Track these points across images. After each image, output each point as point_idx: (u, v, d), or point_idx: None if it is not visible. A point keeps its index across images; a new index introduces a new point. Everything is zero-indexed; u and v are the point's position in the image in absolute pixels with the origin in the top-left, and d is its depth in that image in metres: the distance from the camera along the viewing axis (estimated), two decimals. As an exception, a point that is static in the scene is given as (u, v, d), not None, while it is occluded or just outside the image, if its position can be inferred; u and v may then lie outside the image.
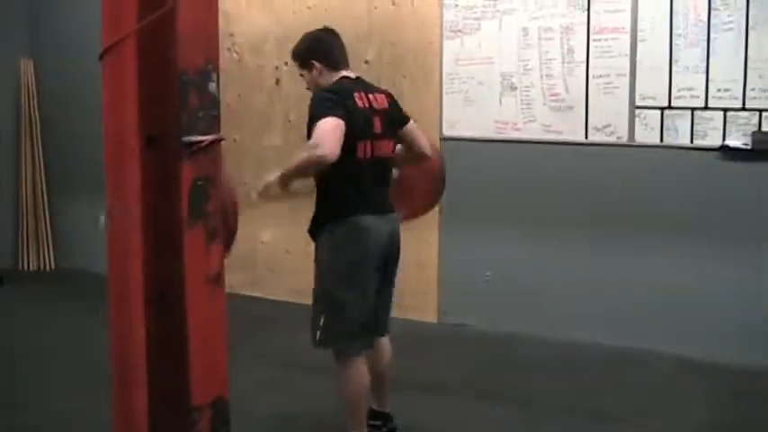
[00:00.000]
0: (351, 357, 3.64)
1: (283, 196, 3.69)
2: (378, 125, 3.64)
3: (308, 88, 3.82)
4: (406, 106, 5.73)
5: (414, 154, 3.89)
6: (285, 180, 3.57)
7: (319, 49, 3.75)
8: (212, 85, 1.95)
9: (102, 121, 1.88)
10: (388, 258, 3.76)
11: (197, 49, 1.90)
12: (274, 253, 6.41)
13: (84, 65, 6.69)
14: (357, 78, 3.76)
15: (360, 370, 3.65)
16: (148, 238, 1.91)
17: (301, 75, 3.82)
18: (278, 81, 6.25)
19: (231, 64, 6.28)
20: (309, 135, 3.46)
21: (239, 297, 6.01)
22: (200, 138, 1.91)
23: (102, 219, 2.27)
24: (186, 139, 1.89)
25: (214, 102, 1.97)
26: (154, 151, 1.90)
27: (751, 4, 4.76)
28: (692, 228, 5.06)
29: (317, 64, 3.71)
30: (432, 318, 5.88)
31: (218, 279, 2.02)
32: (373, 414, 4.00)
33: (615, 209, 5.25)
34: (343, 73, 3.74)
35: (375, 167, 3.66)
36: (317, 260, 3.68)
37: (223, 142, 2.02)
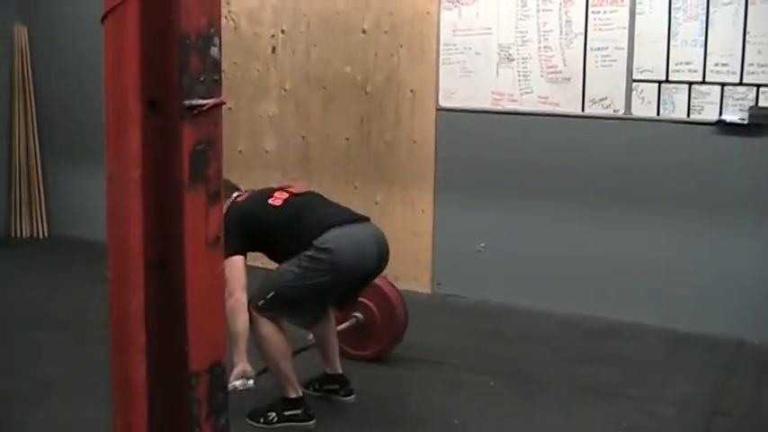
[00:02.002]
0: (265, 320, 3.69)
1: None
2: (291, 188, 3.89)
3: None
4: (403, 76, 5.76)
5: None
6: (240, 353, 3.59)
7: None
8: (214, 50, 1.94)
9: (104, 84, 1.86)
10: (377, 268, 3.88)
11: (199, 13, 1.88)
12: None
13: (78, 31, 6.68)
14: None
15: (272, 330, 3.70)
16: (148, 203, 1.90)
17: None
18: (274, 49, 6.21)
19: (227, 32, 6.24)
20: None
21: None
22: (201, 101, 1.90)
23: None
24: (187, 102, 1.88)
25: (216, 66, 1.95)
26: (154, 115, 1.88)
27: (750, -21, 4.75)
28: (687, 202, 5.07)
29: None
30: (425, 288, 5.89)
31: (217, 242, 2.01)
32: (328, 378, 4.06)
33: (611, 182, 5.25)
34: (234, 195, 3.90)
35: (306, 200, 3.83)
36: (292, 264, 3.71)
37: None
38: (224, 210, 3.73)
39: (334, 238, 3.61)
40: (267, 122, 6.28)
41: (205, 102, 1.91)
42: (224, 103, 1.99)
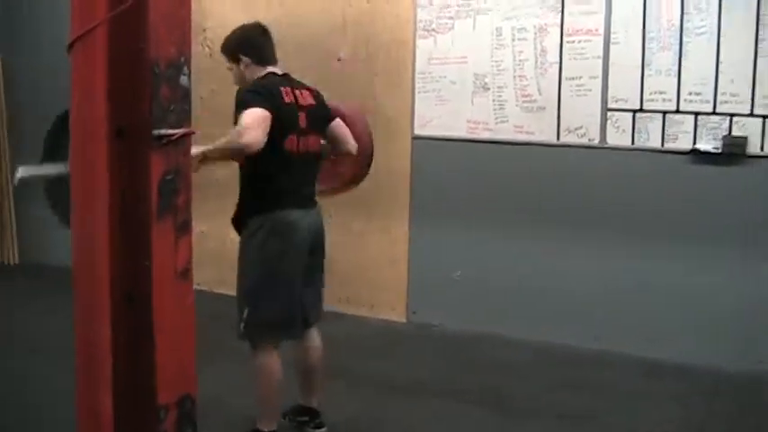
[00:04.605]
0: (265, 348, 3.66)
1: (199, 168, 3.55)
2: (303, 120, 3.71)
3: (235, 83, 3.87)
4: (379, 104, 5.76)
5: (339, 150, 3.95)
6: (205, 159, 3.53)
7: (248, 43, 3.82)
8: (184, 78, 1.92)
9: (71, 112, 1.84)
10: (313, 251, 3.78)
11: (169, 41, 1.86)
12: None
13: (53, 60, 6.62)
14: (284, 75, 3.82)
15: (273, 362, 3.66)
16: (115, 233, 1.87)
17: (229, 68, 3.89)
18: (250, 77, 6.19)
19: (203, 59, 6.22)
20: (236, 124, 3.50)
21: (208, 294, 5.96)
22: (170, 131, 1.87)
23: (20, 170, 2.23)
24: (156, 132, 1.85)
25: (186, 95, 1.94)
26: (123, 144, 1.86)
27: (723, 10, 4.79)
28: (662, 230, 5.08)
29: (244, 58, 3.78)
30: (401, 317, 5.86)
31: (186, 274, 1.98)
32: (301, 410, 4.00)
33: (586, 210, 5.25)
34: (270, 69, 3.80)
35: (302, 162, 3.72)
36: (241, 252, 3.72)
37: (197, 137, 2.00)
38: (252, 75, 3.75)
39: (270, 223, 3.62)
40: (243, 150, 6.23)
41: (174, 131, 1.89)
42: (194, 133, 1.97)
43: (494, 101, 5.40)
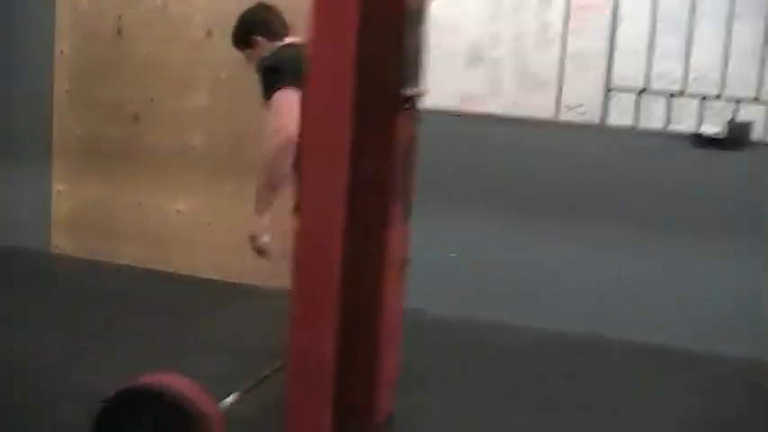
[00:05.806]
0: None
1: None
2: None
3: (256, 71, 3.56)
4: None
5: None
6: (264, 208, 2.94)
7: (256, 23, 3.60)
8: (422, 29, 1.59)
9: (311, 69, 1.46)
10: None
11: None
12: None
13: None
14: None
15: None
16: (350, 221, 1.51)
17: (247, 57, 3.66)
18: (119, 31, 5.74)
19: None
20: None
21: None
22: (415, 91, 1.54)
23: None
24: (404, 92, 1.51)
25: (421, 50, 1.61)
26: (366, 106, 1.50)
27: (735, -5, 4.73)
28: (661, 214, 5.01)
29: (257, 38, 3.54)
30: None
31: (404, 267, 1.66)
32: None
33: (572, 192, 5.13)
34: (288, 41, 3.48)
35: None
36: None
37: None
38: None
39: None
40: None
41: (418, 91, 1.56)
42: (423, 94, 1.65)
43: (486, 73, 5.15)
